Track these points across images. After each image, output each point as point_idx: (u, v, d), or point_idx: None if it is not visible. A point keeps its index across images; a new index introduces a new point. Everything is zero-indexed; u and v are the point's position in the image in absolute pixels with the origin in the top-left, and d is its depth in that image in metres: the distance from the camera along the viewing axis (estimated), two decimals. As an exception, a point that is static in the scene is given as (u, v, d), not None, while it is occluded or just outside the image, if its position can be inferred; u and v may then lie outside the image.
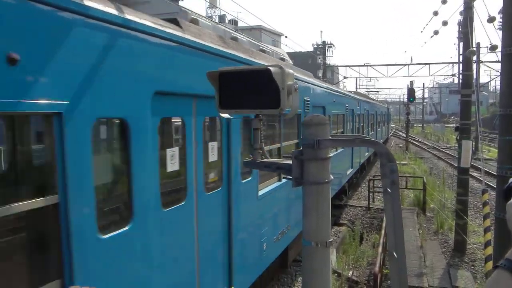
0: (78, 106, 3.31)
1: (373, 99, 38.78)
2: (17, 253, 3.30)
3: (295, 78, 8.88)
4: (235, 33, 7.94)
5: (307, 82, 10.53)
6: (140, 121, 4.05)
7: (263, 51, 9.13)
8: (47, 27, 3.08)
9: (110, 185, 4.10)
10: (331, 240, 2.05)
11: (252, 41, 8.98)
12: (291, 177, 2.03)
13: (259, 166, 2.26)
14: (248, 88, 2.18)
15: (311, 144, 1.94)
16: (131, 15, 3.95)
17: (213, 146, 5.74)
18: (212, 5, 60.77)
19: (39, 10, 3.01)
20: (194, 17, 6.20)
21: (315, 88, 11.40)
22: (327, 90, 13.47)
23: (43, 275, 3.32)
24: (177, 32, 4.72)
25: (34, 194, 3.15)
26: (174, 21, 4.99)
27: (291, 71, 2.09)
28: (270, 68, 2.01)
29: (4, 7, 2.79)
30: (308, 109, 10.19)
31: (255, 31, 53.66)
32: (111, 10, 3.67)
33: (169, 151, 4.72)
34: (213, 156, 5.72)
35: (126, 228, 3.87)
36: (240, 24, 56.05)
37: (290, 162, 2.05)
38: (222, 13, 62.52)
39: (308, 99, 10.24)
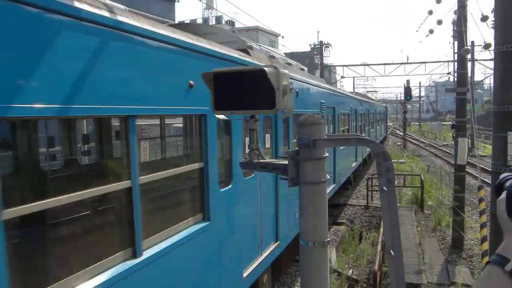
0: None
1: (372, 99, 39.04)
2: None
3: (318, 86, 9.89)
4: (287, 59, 11.41)
5: (323, 88, 13.21)
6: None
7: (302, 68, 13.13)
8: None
9: (223, 160, 6.32)
10: (328, 239, 2.05)
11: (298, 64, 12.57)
12: (287, 177, 2.03)
13: (255, 167, 2.26)
14: (244, 89, 2.18)
15: (306, 144, 1.95)
16: (227, 51, 6.26)
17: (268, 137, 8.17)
18: (209, 6, 60.61)
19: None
20: (250, 44, 8.43)
21: (328, 92, 14.13)
22: (336, 93, 15.97)
23: (194, 210, 5.54)
24: (247, 58, 7.04)
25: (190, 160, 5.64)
26: (244, 51, 7.42)
27: (286, 71, 2.10)
28: (265, 68, 2.02)
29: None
30: (323, 109, 12.74)
31: (252, 31, 53.65)
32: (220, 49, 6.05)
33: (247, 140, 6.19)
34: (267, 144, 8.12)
35: (230, 186, 6.30)
36: (237, 25, 56.07)
37: (286, 162, 2.05)
38: (219, 14, 62.48)
39: (323, 101, 12.81)
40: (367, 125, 26.21)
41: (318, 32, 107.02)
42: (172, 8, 37.65)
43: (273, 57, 10.05)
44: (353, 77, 55.98)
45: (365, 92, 53.34)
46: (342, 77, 47.28)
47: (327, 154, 2.04)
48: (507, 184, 1.31)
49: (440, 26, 18.22)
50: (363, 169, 26.28)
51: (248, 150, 2.31)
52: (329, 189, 14.77)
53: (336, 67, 55.94)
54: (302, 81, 10.25)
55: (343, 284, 9.89)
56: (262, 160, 2.27)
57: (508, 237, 1.29)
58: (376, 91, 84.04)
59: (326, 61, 48.26)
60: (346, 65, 46.27)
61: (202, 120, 5.58)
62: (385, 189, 1.92)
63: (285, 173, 2.05)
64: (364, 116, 25.09)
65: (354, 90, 49.02)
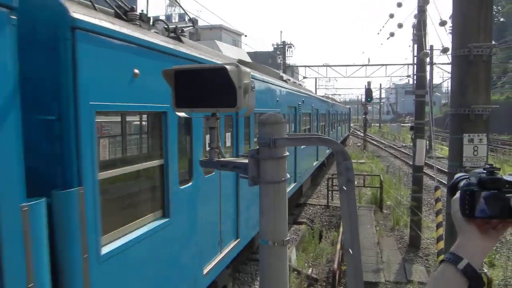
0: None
1: (336, 100, 39.67)
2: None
3: (288, 89, 10.88)
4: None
5: (287, 89, 13.66)
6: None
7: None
8: None
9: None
10: (288, 238, 2.05)
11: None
12: (247, 176, 2.02)
13: (215, 166, 2.24)
14: (205, 87, 2.15)
15: (267, 143, 1.94)
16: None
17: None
18: (172, 3, 60.00)
19: None
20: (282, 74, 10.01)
21: (290, 92, 14.32)
22: (297, 93, 16.03)
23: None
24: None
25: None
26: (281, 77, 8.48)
27: (248, 69, 2.08)
28: (227, 66, 2.00)
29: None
30: (285, 109, 13.03)
31: (216, 30, 53.43)
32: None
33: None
34: (227, 142, 8.21)
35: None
36: (200, 22, 55.67)
37: (246, 161, 2.04)
38: (182, 11, 61.91)
39: (284, 101, 12.98)
40: (328, 126, 26.65)
41: (281, 32, 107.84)
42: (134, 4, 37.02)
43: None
44: (315, 78, 56.56)
45: (327, 94, 53.96)
46: (304, 77, 47.69)
47: (287, 153, 2.04)
48: (461, 184, 1.34)
49: (400, 30, 18.66)
50: (324, 168, 26.62)
51: (209, 148, 2.29)
52: (289, 188, 14.93)
53: (299, 68, 56.36)
54: (263, 81, 10.26)
55: (302, 283, 9.97)
56: (222, 159, 2.26)
57: (462, 236, 1.32)
58: (339, 94, 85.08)
59: (289, 61, 48.59)
60: (308, 66, 46.76)
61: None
62: (345, 188, 1.94)
63: (246, 172, 2.03)
64: (327, 117, 25.62)
65: (316, 91, 49.46)
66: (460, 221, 1.32)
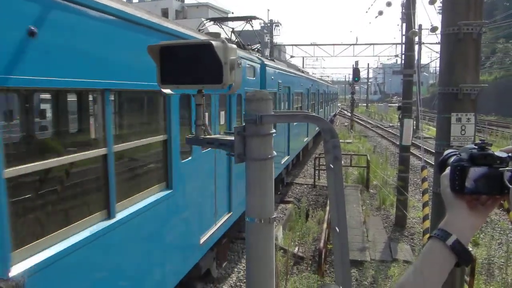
0: None
1: (325, 80, 39.83)
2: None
3: (284, 71, 10.22)
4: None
5: (282, 70, 14.97)
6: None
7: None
8: None
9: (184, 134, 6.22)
10: (274, 216, 2.04)
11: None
12: (234, 154, 1.99)
13: (201, 143, 2.21)
14: (191, 63, 2.11)
15: (253, 120, 1.91)
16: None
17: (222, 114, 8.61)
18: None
19: None
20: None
21: (285, 73, 15.64)
22: (291, 73, 17.35)
23: (159, 178, 5.97)
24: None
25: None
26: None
27: (234, 45, 2.04)
28: (212, 42, 1.96)
29: None
30: (280, 89, 14.36)
31: (202, 7, 52.88)
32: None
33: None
34: (222, 121, 8.51)
35: (189, 158, 6.72)
36: (187, 1, 55.04)
37: (233, 138, 2.01)
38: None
39: (281, 81, 14.36)
40: (317, 104, 27.03)
41: (268, 10, 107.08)
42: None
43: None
44: (303, 57, 56.31)
45: (314, 74, 53.84)
46: (292, 56, 47.49)
47: (274, 131, 2.01)
48: (451, 160, 1.32)
49: (389, 8, 18.62)
50: (311, 148, 26.77)
51: (195, 125, 2.26)
52: (284, 159, 16.18)
53: (286, 46, 56.08)
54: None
55: (289, 261, 10.06)
56: (208, 136, 2.22)
57: (450, 212, 1.30)
58: (327, 76, 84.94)
59: (276, 40, 48.26)
60: (295, 45, 46.51)
61: (166, 96, 5.83)
62: (332, 166, 1.92)
63: (232, 149, 2.01)
64: (316, 96, 26.13)
65: (303, 69, 49.36)
66: (449, 197, 1.31)
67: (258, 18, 14.67)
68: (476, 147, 1.27)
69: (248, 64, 10.15)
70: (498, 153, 1.26)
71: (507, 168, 1.22)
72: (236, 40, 12.31)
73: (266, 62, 12.26)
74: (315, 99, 26.35)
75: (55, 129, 5.08)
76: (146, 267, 5.57)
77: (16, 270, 3.36)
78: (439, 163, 1.41)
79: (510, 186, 1.20)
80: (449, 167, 1.31)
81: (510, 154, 1.26)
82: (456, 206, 1.29)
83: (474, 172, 1.24)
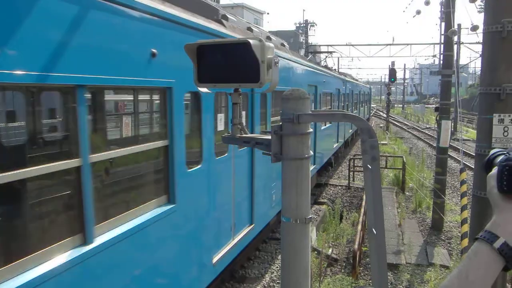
0: None
1: (356, 79, 39.31)
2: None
3: (300, 63, 10.28)
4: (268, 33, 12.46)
5: (304, 65, 12.95)
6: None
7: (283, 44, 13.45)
8: None
9: (192, 138, 5.95)
10: (310, 216, 2.02)
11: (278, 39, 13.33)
12: (270, 153, 1.99)
13: (237, 142, 2.21)
14: (227, 61, 2.11)
15: (290, 119, 1.90)
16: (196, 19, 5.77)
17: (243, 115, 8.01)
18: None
19: None
20: (224, 13, 8.39)
21: (310, 70, 13.88)
22: (318, 71, 15.75)
23: (157, 192, 5.17)
24: (222, 29, 6.60)
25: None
26: (218, 21, 6.97)
27: (271, 44, 2.03)
28: (250, 40, 1.95)
29: None
30: (304, 88, 12.35)
31: (237, 8, 53.04)
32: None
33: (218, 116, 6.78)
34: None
35: (199, 166, 5.98)
36: (222, 1, 55.30)
37: (269, 137, 2.01)
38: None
39: (304, 79, 12.77)
40: (350, 106, 26.42)
41: (303, 10, 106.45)
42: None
43: (250, 29, 9.51)
44: (338, 57, 55.85)
45: (350, 74, 53.40)
46: (327, 56, 47.16)
47: (311, 130, 1.99)
48: (498, 159, 1.28)
49: (427, 7, 18.29)
50: (345, 150, 26.50)
51: (231, 124, 2.26)
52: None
53: (321, 47, 55.74)
54: (282, 57, 9.69)
55: (322, 263, 9.98)
56: (245, 135, 2.22)
57: (498, 214, 1.26)
58: (361, 77, 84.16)
59: (311, 40, 48.08)
60: (330, 45, 46.04)
61: (166, 94, 5.10)
62: (369, 167, 1.89)
63: (268, 148, 2.00)
64: (348, 97, 25.36)
65: (338, 70, 48.94)
66: (496, 198, 1.26)
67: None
68: None
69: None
70: None
71: None
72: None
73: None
74: (348, 100, 25.37)
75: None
76: None
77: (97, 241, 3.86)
78: (485, 163, 1.37)
79: None
80: (496, 167, 1.26)
81: None
82: (504, 208, 1.24)
83: None
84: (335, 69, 29.97)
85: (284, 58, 9.95)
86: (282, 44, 12.80)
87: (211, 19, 6.64)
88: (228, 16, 8.24)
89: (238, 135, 2.22)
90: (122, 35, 4.27)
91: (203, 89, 2.26)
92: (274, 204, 9.52)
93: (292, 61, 11.05)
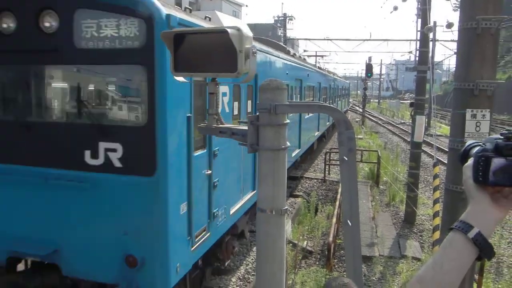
0: None
1: (336, 74, 39.65)
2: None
3: (290, 61, 11.19)
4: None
5: (293, 62, 14.42)
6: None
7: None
8: None
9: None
10: (286, 207, 2.02)
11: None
12: (246, 143, 1.97)
13: (214, 132, 2.19)
14: (205, 51, 2.08)
15: (267, 109, 1.89)
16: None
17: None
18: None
19: None
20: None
21: (297, 66, 15.25)
22: (304, 67, 17.05)
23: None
24: None
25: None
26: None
27: (250, 34, 2.01)
28: (228, 30, 1.93)
29: None
30: (292, 81, 14.02)
31: (216, 0, 52.66)
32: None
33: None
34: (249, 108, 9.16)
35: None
36: (200, -8, 54.81)
37: (246, 127, 1.99)
38: (182, -20, 60.87)
39: (293, 74, 14.03)
40: (329, 99, 26.83)
41: (282, 3, 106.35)
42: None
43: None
44: (316, 52, 56.05)
45: (327, 69, 53.64)
46: (305, 50, 47.29)
47: (288, 121, 1.98)
48: (474, 150, 1.29)
49: (404, 4, 18.51)
50: (321, 144, 26.67)
51: (207, 114, 2.24)
52: (295, 152, 15.90)
53: (299, 40, 55.81)
54: (277, 56, 11.18)
55: (297, 255, 10.05)
56: (221, 125, 2.20)
57: (472, 204, 1.27)
58: (337, 71, 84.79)
59: (289, 34, 48.08)
60: (309, 39, 46.23)
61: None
62: (346, 158, 1.89)
63: (244, 138, 1.99)
64: (328, 90, 25.87)
65: (316, 65, 49.21)
66: (471, 188, 1.28)
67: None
68: (502, 137, 1.23)
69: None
70: None
71: None
72: None
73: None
74: (328, 93, 26.05)
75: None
76: None
77: None
78: (461, 154, 1.38)
79: None
80: (472, 158, 1.27)
81: None
82: (479, 198, 1.25)
83: (498, 163, 1.20)
84: (314, 64, 30.14)
85: (282, 58, 11.94)
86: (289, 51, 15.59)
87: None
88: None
89: (214, 125, 2.20)
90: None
91: (180, 78, 2.24)
92: None
93: (285, 59, 12.74)
